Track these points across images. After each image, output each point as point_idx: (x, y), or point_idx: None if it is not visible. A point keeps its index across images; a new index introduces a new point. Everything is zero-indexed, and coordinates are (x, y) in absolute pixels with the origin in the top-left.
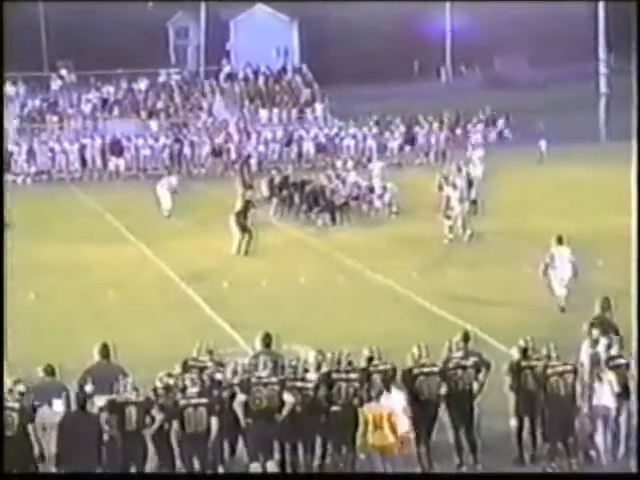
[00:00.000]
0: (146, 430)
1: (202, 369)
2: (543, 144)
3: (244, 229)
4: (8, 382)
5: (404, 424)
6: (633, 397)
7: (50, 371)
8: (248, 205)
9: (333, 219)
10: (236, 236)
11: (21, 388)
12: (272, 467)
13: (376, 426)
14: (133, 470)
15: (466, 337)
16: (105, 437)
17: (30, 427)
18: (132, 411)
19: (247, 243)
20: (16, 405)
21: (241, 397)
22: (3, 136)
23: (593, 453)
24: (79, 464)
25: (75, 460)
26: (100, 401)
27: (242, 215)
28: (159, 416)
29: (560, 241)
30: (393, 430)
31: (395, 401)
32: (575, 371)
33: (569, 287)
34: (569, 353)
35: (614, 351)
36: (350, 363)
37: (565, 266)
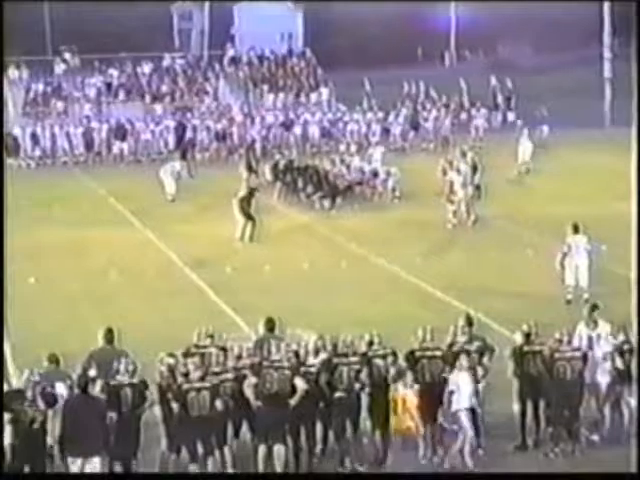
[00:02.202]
0: (139, 410)
1: (204, 354)
2: (545, 129)
3: (247, 216)
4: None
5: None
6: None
7: (54, 360)
8: (253, 192)
9: (333, 202)
10: (240, 222)
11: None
12: (279, 450)
13: (394, 411)
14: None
15: (469, 321)
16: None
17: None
18: (127, 393)
19: (251, 229)
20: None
21: (252, 379)
22: (3, 122)
23: (596, 437)
24: (83, 447)
25: (79, 443)
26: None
27: (245, 201)
28: (153, 396)
29: (576, 230)
30: (409, 414)
31: (462, 381)
32: (585, 358)
33: (585, 276)
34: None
35: (621, 336)
36: (350, 346)
37: (581, 255)
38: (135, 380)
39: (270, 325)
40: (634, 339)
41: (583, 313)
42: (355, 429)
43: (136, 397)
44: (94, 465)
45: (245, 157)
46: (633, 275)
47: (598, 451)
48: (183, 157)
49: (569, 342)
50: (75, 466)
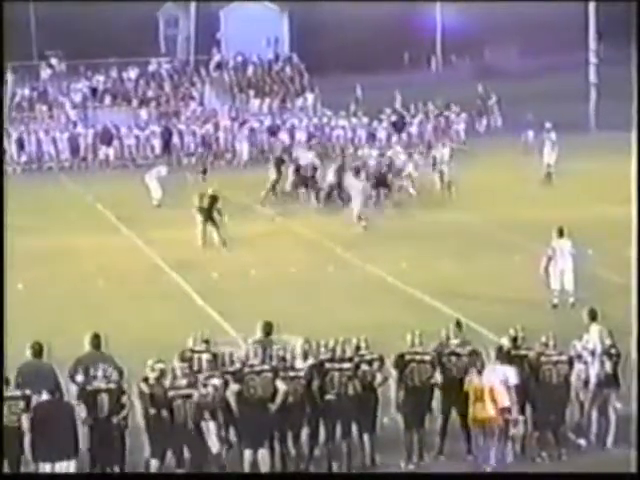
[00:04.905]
0: (115, 417)
1: (192, 359)
2: (530, 134)
3: (212, 221)
4: None
5: (504, 400)
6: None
7: (38, 350)
8: (215, 198)
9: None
10: (199, 227)
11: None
12: (263, 455)
13: (477, 399)
14: (107, 457)
15: (459, 326)
16: (79, 425)
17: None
18: (104, 399)
19: (217, 234)
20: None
21: (234, 387)
22: (3, 124)
23: (582, 442)
24: (52, 451)
25: (48, 447)
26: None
27: (206, 210)
28: (129, 403)
29: (561, 234)
30: (495, 404)
31: (500, 376)
32: (570, 362)
33: (570, 280)
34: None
35: (608, 340)
36: (344, 352)
37: (566, 259)
38: (112, 386)
39: (267, 329)
40: (630, 344)
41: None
42: (345, 433)
43: (112, 403)
44: (67, 469)
45: (274, 158)
46: (633, 282)
47: (584, 455)
48: (204, 172)
49: (555, 346)
50: (45, 469)
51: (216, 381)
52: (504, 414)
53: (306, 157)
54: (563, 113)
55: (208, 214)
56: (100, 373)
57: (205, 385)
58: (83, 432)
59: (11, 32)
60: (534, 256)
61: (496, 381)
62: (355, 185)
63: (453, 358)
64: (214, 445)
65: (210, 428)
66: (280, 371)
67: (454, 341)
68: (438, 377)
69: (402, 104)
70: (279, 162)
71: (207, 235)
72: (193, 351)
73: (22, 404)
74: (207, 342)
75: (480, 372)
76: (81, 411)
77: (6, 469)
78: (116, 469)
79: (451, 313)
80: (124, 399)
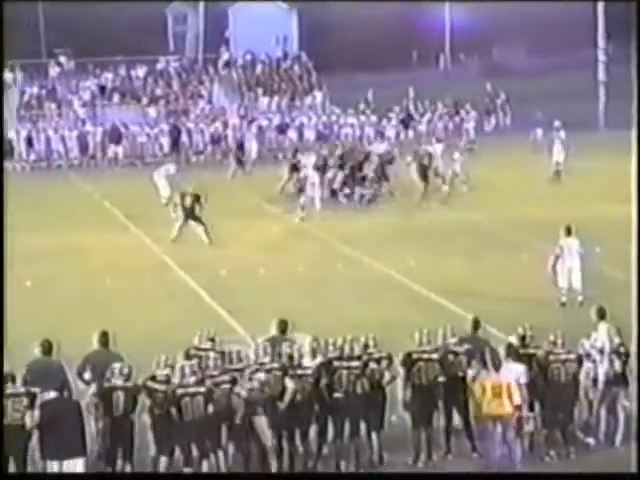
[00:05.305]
0: (134, 415)
1: (201, 358)
2: (539, 133)
3: (198, 220)
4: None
5: (518, 397)
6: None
7: (47, 348)
8: (198, 198)
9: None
10: (177, 224)
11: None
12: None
13: (494, 395)
14: (120, 455)
15: (476, 325)
16: (86, 423)
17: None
18: (120, 396)
19: (204, 232)
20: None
21: (245, 384)
22: (3, 123)
23: (591, 440)
24: (61, 450)
25: (56, 445)
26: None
27: (189, 208)
28: (147, 401)
29: (569, 232)
30: (511, 400)
31: (512, 373)
32: (579, 360)
33: (578, 279)
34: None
35: (617, 339)
36: (352, 350)
37: (574, 257)
38: (129, 384)
39: (283, 327)
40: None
41: (592, 318)
42: (353, 431)
43: (129, 401)
44: (74, 467)
45: (289, 159)
46: (633, 279)
47: (592, 454)
48: (239, 162)
49: (563, 344)
50: (53, 468)
51: (262, 375)
52: (517, 411)
53: (310, 160)
54: (572, 112)
55: (190, 213)
56: (117, 371)
57: (251, 379)
58: (97, 429)
59: (20, 30)
60: (542, 254)
61: (511, 378)
62: (313, 177)
63: (451, 356)
64: (268, 439)
65: (262, 422)
66: (289, 369)
67: (452, 340)
68: (441, 377)
69: (410, 102)
70: (293, 168)
71: (183, 233)
72: (198, 349)
73: (26, 401)
74: (213, 340)
75: (498, 369)
76: (90, 407)
77: (11, 468)
78: (127, 467)
79: (459, 311)
80: (140, 397)
